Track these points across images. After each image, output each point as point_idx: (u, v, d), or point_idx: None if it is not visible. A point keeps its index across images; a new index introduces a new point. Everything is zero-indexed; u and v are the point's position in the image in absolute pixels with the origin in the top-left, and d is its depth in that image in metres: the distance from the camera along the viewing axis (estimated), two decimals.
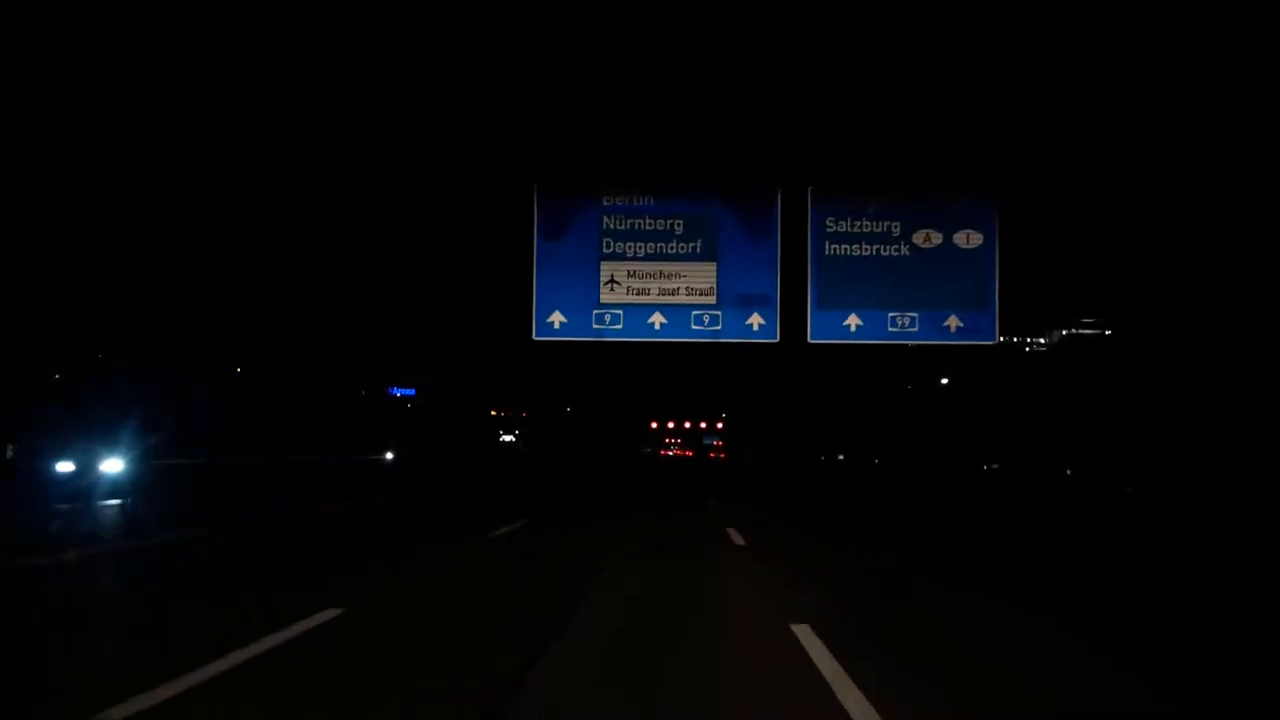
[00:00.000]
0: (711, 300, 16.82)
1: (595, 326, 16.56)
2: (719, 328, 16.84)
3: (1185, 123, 12.99)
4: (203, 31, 12.09)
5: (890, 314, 16.86)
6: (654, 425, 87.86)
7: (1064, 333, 70.14)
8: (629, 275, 16.40)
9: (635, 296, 16.79)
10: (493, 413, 68.64)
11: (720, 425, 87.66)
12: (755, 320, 16.84)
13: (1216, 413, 17.48)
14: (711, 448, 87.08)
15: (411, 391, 46.47)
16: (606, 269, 16.30)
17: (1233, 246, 14.77)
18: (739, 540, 12.78)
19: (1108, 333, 47.46)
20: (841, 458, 61.28)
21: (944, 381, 56.65)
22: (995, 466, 34.84)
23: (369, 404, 39.07)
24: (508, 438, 65.34)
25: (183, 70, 12.97)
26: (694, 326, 16.83)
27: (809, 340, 16.78)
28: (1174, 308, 19.71)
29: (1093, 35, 12.23)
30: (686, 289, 16.83)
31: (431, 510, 18.23)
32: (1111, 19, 11.63)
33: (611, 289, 16.16)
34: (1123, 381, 29.84)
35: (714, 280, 16.87)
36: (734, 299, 16.85)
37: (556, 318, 16.28)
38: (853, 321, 16.87)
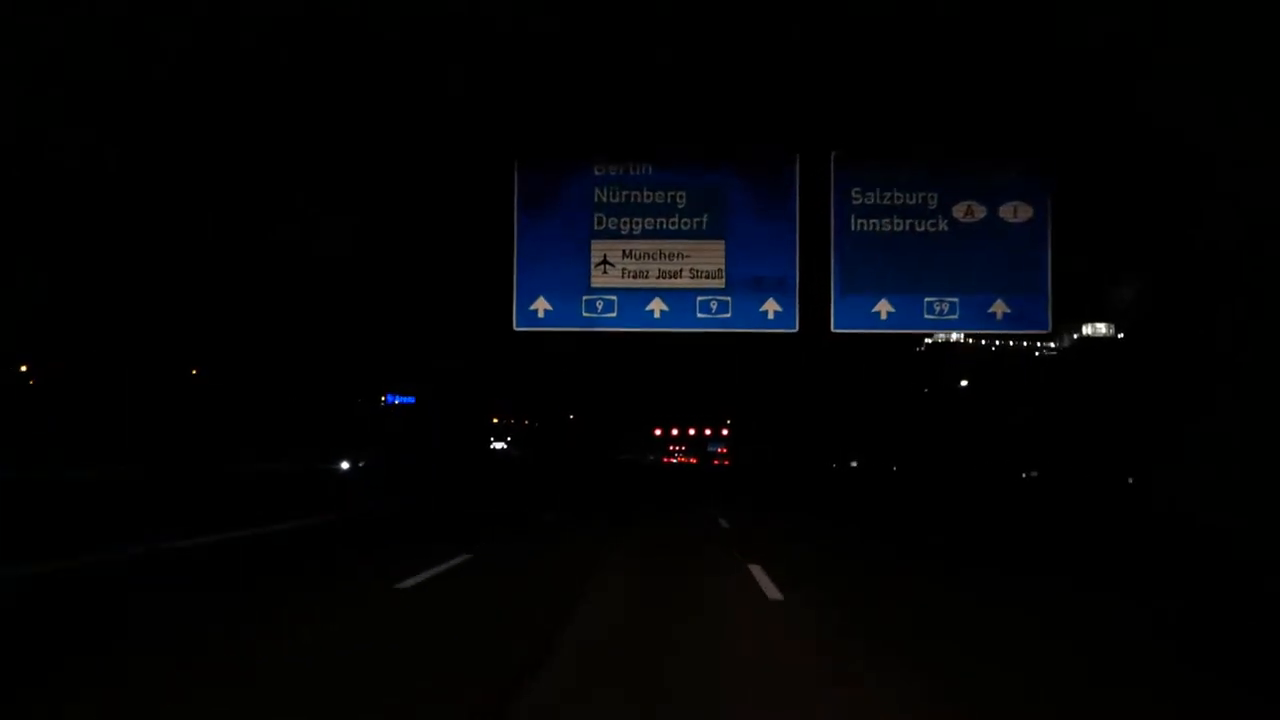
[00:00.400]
0: (719, 284, 15.31)
1: (585, 315, 15.40)
2: (728, 315, 15.35)
3: (1185, 122, 12.85)
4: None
5: (927, 299, 15.42)
6: (658, 432, 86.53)
7: (1075, 336, 69.33)
8: (624, 256, 15.49)
9: (631, 280, 15.35)
10: (495, 420, 66.29)
11: (725, 432, 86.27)
12: (770, 307, 15.39)
13: (1216, 413, 17.82)
14: (715, 455, 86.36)
15: (411, 400, 44.70)
16: (598, 248, 14.90)
17: (1233, 246, 14.78)
18: (758, 571, 10.99)
19: (1119, 335, 47.97)
20: (855, 464, 58.72)
21: (964, 384, 54.51)
22: (1034, 474, 32.36)
23: (358, 411, 36.89)
24: (499, 445, 62.61)
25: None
26: (699, 315, 15.36)
27: (832, 330, 15.46)
28: (1177, 307, 20.15)
29: (1092, 33, 12.12)
30: (690, 271, 15.35)
31: (360, 535, 15.24)
32: (1112, 18, 11.57)
33: (604, 271, 14.51)
34: (1130, 382, 30.27)
35: (722, 261, 15.32)
36: (746, 283, 15.31)
37: (541, 305, 14.52)
38: (883, 308, 15.51)
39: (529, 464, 50.44)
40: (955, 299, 15.16)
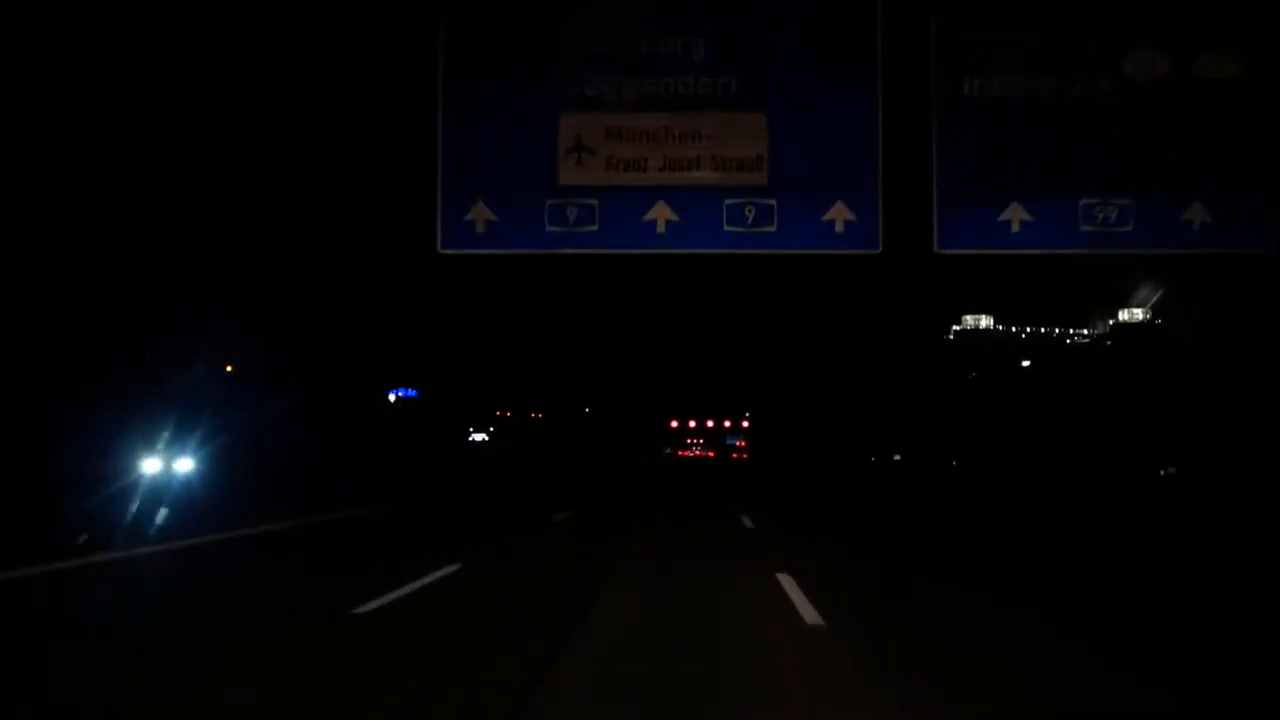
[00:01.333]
0: (759, 179, 10.12)
1: (550, 229, 10.08)
2: (772, 229, 10.14)
3: None
4: None
5: (1083, 201, 10.12)
6: (674, 424, 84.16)
7: (1110, 322, 66.54)
8: (609, 136, 10.06)
9: (622, 174, 10.12)
10: (508, 414, 61.60)
11: (745, 424, 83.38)
12: (839, 215, 10.09)
13: (1214, 410, 17.75)
14: (734, 448, 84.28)
15: (413, 393, 40.84)
16: (570, 124, 10.06)
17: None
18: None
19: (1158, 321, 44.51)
20: (898, 458, 53.54)
21: (1025, 364, 49.27)
22: (1173, 470, 27.22)
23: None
24: (479, 436, 57.30)
25: None
26: (728, 227, 10.17)
27: (936, 249, 10.20)
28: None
29: None
30: (714, 160, 10.16)
31: None
32: None
33: (579, 160, 10.22)
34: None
35: (764, 144, 10.15)
36: (800, 179, 10.13)
37: (480, 215, 9.54)
38: (1014, 215, 10.10)
39: (521, 461, 45.09)
40: (1127, 200, 10.09)
